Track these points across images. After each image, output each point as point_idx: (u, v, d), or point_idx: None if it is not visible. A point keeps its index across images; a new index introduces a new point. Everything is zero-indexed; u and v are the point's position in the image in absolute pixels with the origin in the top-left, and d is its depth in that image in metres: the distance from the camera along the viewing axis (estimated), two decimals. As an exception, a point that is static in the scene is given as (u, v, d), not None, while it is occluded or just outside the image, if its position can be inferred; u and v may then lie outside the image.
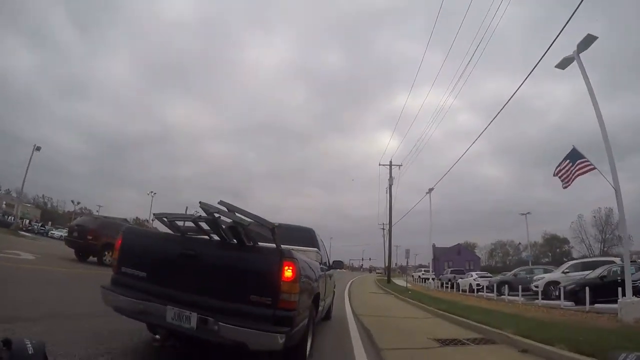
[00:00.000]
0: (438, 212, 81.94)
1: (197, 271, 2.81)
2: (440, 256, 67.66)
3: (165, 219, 3.18)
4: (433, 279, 30.23)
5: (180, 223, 3.29)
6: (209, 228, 3.01)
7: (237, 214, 2.79)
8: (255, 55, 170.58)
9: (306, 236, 5.34)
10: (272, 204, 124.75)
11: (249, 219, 2.77)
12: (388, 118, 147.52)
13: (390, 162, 32.59)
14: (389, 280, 32.83)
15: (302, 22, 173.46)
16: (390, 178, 31.24)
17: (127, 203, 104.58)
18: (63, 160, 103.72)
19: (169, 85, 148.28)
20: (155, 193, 55.86)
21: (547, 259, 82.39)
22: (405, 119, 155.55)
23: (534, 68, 10.19)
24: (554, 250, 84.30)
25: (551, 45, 8.90)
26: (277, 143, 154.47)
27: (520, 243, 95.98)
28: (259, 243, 3.02)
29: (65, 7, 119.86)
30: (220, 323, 2.49)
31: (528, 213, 43.51)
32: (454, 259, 65.98)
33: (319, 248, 5.27)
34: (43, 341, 1.09)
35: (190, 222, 3.15)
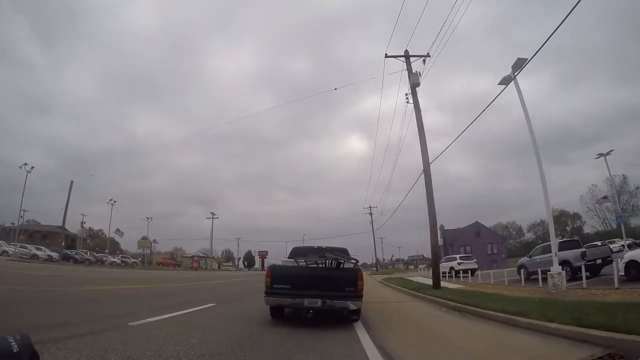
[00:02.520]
0: (408, 209, 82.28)
1: (318, 281, 5.84)
2: (453, 240, 57.27)
3: (301, 260, 6.22)
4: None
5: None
6: (325, 261, 6.15)
7: (341, 255, 6.45)
8: (221, 64, 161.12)
9: (342, 248, 8.55)
10: (244, 210, 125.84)
11: (346, 258, 6.34)
12: (356, 121, 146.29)
13: (407, 52, 15.93)
14: (436, 284, 13.81)
15: (267, 30, 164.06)
16: (413, 75, 15.27)
17: (95, 217, 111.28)
18: (26, 177, 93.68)
19: (134, 97, 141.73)
20: (115, 201, 56.36)
21: (557, 238, 75.47)
22: (372, 120, 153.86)
23: (519, 70, 11.00)
24: (562, 228, 77.02)
25: (539, 50, 9.22)
26: (246, 151, 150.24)
27: (520, 225, 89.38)
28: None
29: (29, 21, 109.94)
30: (334, 301, 5.65)
31: (611, 151, 30.87)
32: (472, 242, 53.08)
33: (347, 254, 7.76)
34: (27, 335, 1.03)
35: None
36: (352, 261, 6.35)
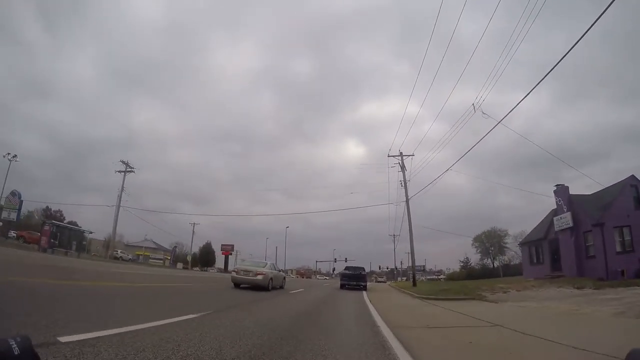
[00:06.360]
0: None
1: (355, 277, 24.93)
2: (596, 215, 22.52)
3: (346, 271, 26.63)
4: None
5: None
6: (356, 271, 26.48)
7: (359, 268, 27.40)
8: (223, 62, 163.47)
9: (362, 267, 27.88)
10: (240, 208, 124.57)
11: (362, 269, 27.16)
12: (356, 126, 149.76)
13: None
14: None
15: (270, 30, 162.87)
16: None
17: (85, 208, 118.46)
18: (22, 162, 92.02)
19: (134, 89, 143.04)
20: (15, 156, 40.65)
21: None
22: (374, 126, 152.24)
23: (537, 84, 11.19)
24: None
25: (556, 65, 9.63)
26: (244, 150, 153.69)
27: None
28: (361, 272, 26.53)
29: (35, 4, 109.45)
30: (361, 283, 24.28)
31: None
32: (631, 220, 21.25)
33: (365, 270, 27.51)
34: (28, 337, 1.02)
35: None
36: (364, 272, 26.30)
